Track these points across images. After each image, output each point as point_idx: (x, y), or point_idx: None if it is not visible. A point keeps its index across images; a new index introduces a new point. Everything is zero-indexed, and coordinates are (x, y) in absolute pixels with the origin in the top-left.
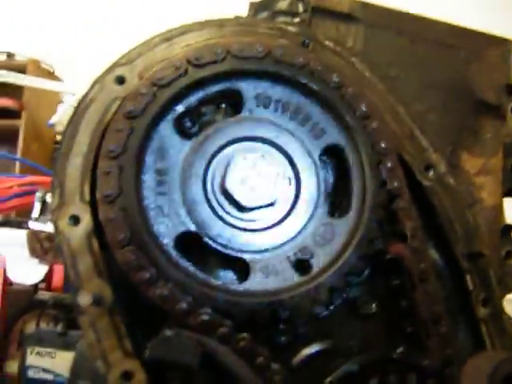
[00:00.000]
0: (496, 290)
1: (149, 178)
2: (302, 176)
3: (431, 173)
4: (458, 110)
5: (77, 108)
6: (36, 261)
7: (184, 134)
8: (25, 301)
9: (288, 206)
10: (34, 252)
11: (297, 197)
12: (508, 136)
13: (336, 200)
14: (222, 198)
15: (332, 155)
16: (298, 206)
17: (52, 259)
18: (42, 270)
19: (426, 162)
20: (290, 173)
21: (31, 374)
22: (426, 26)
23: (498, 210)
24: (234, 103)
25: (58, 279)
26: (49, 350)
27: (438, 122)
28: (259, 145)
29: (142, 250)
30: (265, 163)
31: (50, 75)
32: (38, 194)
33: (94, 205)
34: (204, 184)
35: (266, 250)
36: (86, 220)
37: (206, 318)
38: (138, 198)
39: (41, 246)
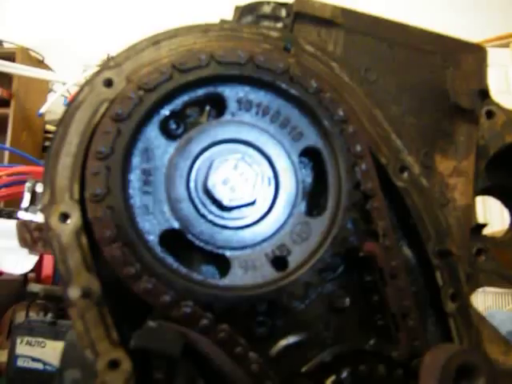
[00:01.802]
0: (464, 285)
1: (135, 178)
2: (281, 177)
3: (405, 174)
4: (434, 113)
5: (67, 109)
6: (26, 251)
7: (169, 135)
8: (14, 291)
9: (267, 206)
10: (23, 242)
11: (276, 197)
12: (482, 138)
13: (313, 200)
14: (204, 198)
15: (310, 157)
16: (277, 205)
17: (42, 249)
18: (32, 260)
19: (400, 163)
20: (270, 173)
21: (21, 363)
22: (404, 32)
23: (470, 209)
24: (217, 106)
25: (47, 269)
26: (39, 339)
27: (414, 125)
28: (240, 146)
29: (128, 247)
30: (245, 164)
31: (40, 63)
32: (28, 184)
33: (83, 203)
34: (187, 184)
35: (245, 247)
36: (76, 217)
37: (187, 310)
38: (125, 197)
39: (30, 236)
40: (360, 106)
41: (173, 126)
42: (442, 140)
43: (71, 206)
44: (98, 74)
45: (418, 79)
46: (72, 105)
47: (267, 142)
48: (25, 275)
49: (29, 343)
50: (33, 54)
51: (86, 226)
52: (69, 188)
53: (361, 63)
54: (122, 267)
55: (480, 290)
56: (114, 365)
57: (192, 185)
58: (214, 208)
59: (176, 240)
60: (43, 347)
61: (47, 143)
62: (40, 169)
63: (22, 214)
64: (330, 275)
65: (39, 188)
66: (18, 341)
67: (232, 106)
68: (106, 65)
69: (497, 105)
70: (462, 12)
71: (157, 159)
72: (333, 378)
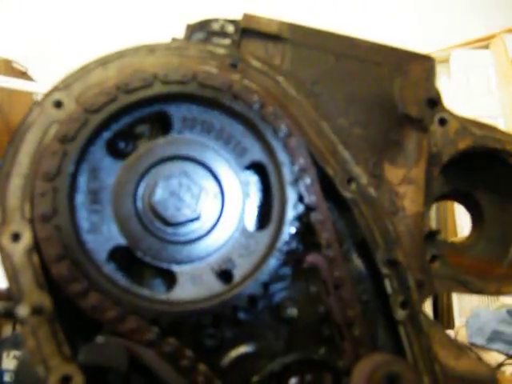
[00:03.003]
0: (414, 293)
1: (82, 198)
2: (227, 192)
3: (353, 185)
4: (382, 123)
5: (18, 129)
6: None
7: (118, 154)
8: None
9: (213, 220)
10: None
11: (221, 211)
12: (435, 146)
13: (260, 213)
14: (150, 214)
15: (256, 171)
16: (223, 219)
17: None
18: None
19: (348, 175)
20: (215, 189)
21: (7, 378)
22: (350, 45)
23: (421, 216)
24: (163, 124)
25: None
26: None
27: (362, 136)
28: (185, 163)
29: (76, 265)
30: (190, 180)
31: (23, 75)
32: None
33: (33, 222)
34: (134, 201)
35: (192, 261)
36: (27, 237)
37: (133, 325)
38: (72, 216)
39: None
40: (306, 118)
41: (121, 144)
42: (390, 149)
43: (22, 225)
44: (47, 95)
45: (365, 90)
46: (22, 126)
47: (212, 158)
48: None
49: (16, 358)
50: (16, 65)
51: (38, 245)
52: (20, 208)
53: (308, 76)
54: (69, 285)
55: None
56: (65, 380)
57: (139, 202)
58: (160, 224)
59: (126, 256)
60: None
61: None
62: None
63: None
64: (277, 287)
65: None
66: (5, 355)
67: (177, 123)
68: (56, 86)
69: (449, 112)
70: (442, 14)
71: (104, 178)
72: None
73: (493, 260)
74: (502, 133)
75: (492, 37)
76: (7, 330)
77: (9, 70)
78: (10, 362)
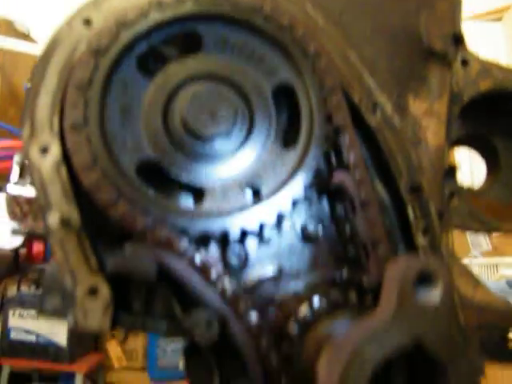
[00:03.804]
0: (435, 220)
1: (113, 111)
2: (256, 111)
3: (378, 113)
4: (407, 55)
5: (46, 47)
6: (15, 225)
7: (147, 71)
8: (5, 265)
9: (242, 138)
10: (13, 215)
11: (250, 129)
12: (456, 85)
13: (287, 133)
14: (180, 130)
15: (285, 92)
16: (252, 138)
17: (32, 222)
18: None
19: (373, 102)
20: (244, 108)
21: (14, 335)
22: None
23: (442, 149)
24: (194, 44)
25: (38, 245)
26: (31, 311)
27: (387, 66)
28: (216, 81)
29: (105, 174)
30: (220, 98)
31: (25, 37)
32: (17, 158)
33: (62, 135)
34: (164, 117)
35: (220, 177)
36: (55, 149)
37: (164, 234)
38: (102, 127)
39: (20, 210)
40: (333, 46)
41: (151, 63)
42: (414, 82)
43: (51, 138)
44: (76, 13)
45: (391, 22)
46: (51, 43)
47: (242, 77)
48: (16, 250)
49: (21, 315)
50: (18, 27)
51: (66, 158)
52: (49, 121)
53: (335, 6)
54: (100, 193)
55: (466, 261)
56: (92, 292)
57: (168, 117)
58: (189, 139)
59: (154, 171)
60: (36, 319)
61: None
62: None
63: (10, 188)
64: (303, 206)
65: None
66: (11, 313)
67: (208, 44)
68: (85, 4)
69: (471, 53)
70: None
71: (134, 93)
72: (305, 305)
73: (508, 204)
74: None
75: (506, 9)
76: (13, 290)
77: (11, 32)
78: (15, 321)
